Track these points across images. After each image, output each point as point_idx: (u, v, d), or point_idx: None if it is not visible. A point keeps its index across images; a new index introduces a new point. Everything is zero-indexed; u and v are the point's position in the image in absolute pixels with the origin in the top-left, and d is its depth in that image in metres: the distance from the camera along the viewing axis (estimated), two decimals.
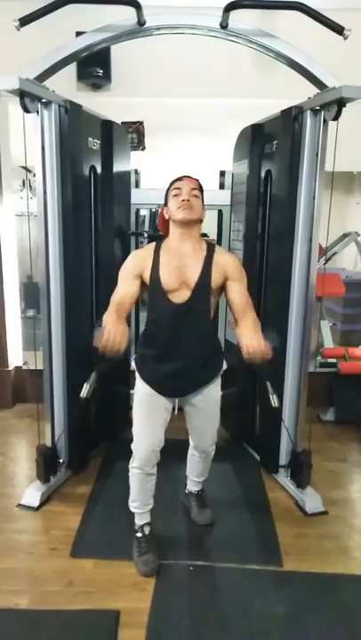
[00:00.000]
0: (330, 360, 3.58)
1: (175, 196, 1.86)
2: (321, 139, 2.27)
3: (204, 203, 1.93)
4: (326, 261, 3.92)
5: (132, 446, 2.01)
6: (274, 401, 2.37)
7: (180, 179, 1.91)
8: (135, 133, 3.41)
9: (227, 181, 3.28)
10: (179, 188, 1.87)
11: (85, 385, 2.39)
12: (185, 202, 1.83)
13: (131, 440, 2.03)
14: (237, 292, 1.88)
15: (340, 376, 3.51)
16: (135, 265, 1.89)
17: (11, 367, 3.64)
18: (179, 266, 1.84)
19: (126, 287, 1.88)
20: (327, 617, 1.82)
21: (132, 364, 2.04)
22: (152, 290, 1.87)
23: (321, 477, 2.70)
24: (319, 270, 2.48)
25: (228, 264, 1.88)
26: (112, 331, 1.70)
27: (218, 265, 1.86)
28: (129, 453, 2.04)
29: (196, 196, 1.86)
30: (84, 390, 2.37)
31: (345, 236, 4.07)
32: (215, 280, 1.85)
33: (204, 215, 1.92)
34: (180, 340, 1.89)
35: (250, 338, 1.77)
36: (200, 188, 1.91)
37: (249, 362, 1.75)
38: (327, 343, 3.78)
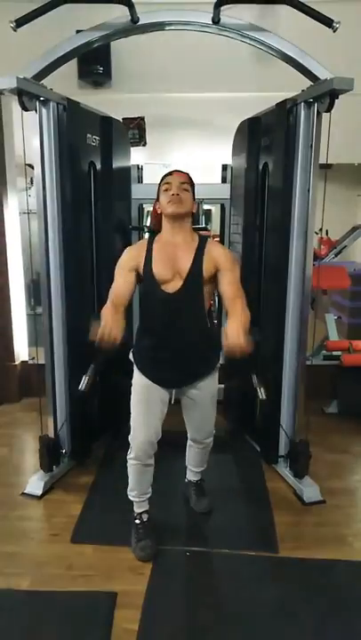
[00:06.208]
0: (335, 353, 3.59)
1: (165, 190, 1.91)
2: (315, 130, 2.29)
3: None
4: (337, 255, 3.93)
5: (130, 438, 2.06)
6: (261, 393, 2.43)
7: (170, 173, 1.95)
8: (136, 129, 3.45)
9: (229, 175, 3.30)
10: (169, 183, 1.91)
11: (84, 377, 2.46)
12: (174, 196, 1.87)
13: None
14: (228, 281, 1.90)
15: (344, 368, 3.51)
16: (129, 259, 1.94)
17: (17, 362, 3.72)
18: (171, 257, 1.89)
19: (123, 280, 1.94)
20: (321, 601, 1.85)
21: (130, 356, 2.08)
22: (146, 282, 1.92)
23: (321, 468, 2.72)
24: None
25: (219, 254, 1.92)
26: (108, 322, 1.77)
27: (209, 254, 1.90)
28: None
29: (185, 190, 1.91)
30: (83, 383, 2.44)
31: (355, 229, 4.06)
32: (207, 269, 1.89)
33: (194, 208, 1.96)
34: (175, 330, 1.94)
35: (230, 331, 1.72)
36: (190, 182, 1.95)
37: (229, 355, 1.72)
38: (332, 336, 3.78)
